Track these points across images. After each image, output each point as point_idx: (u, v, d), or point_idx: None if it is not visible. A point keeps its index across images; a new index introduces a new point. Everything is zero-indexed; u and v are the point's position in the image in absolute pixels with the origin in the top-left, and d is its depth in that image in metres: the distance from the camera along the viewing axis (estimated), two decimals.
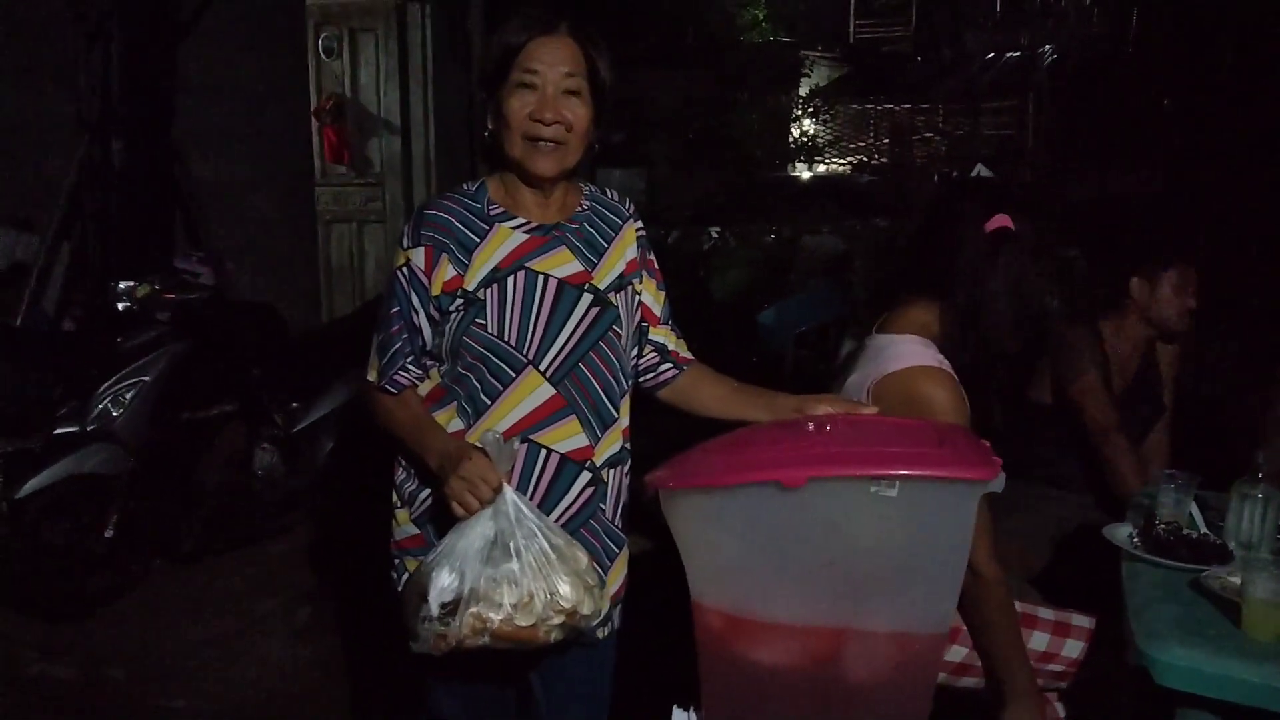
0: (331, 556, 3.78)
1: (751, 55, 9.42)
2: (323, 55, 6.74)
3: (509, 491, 1.46)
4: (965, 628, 1.81)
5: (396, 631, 1.52)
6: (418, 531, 1.68)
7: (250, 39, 5.08)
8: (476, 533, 1.44)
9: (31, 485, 3.08)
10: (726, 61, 8.73)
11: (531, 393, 1.61)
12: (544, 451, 1.61)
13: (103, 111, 3.99)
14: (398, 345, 1.63)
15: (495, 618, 1.39)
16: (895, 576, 1.37)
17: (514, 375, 1.60)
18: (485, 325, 1.59)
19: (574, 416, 1.62)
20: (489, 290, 1.60)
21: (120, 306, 3.44)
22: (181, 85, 4.52)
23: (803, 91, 11.73)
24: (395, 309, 1.64)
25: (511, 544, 1.42)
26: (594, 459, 1.65)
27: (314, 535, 3.91)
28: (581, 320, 1.63)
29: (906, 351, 1.86)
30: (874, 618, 1.37)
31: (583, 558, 1.49)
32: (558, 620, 1.43)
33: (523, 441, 1.59)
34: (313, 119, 6.15)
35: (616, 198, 1.79)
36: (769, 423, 1.62)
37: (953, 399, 1.79)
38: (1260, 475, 1.91)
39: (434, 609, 1.41)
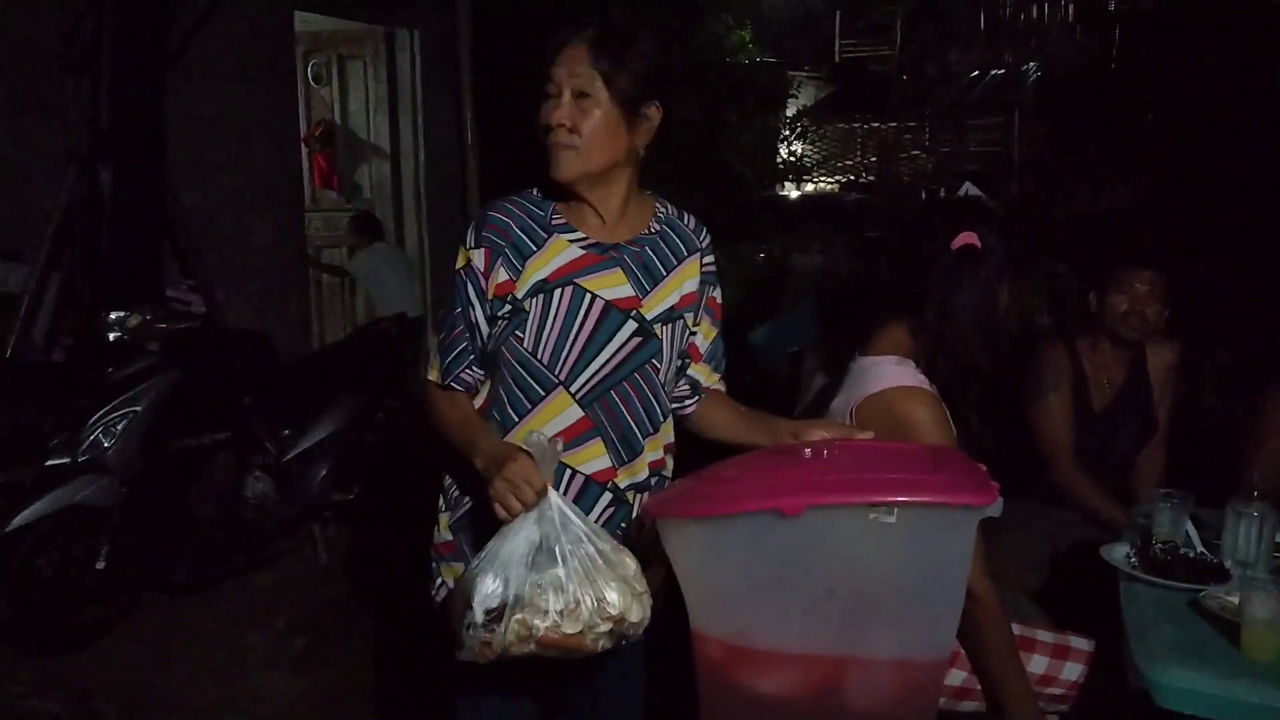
0: (326, 585, 3.76)
1: (739, 76, 9.47)
2: (312, 82, 6.79)
3: (554, 495, 1.43)
4: (962, 651, 1.81)
5: (407, 650, 1.50)
6: (452, 538, 1.70)
7: (239, 67, 5.08)
8: (521, 537, 1.41)
9: (22, 518, 3.05)
10: (715, 83, 8.77)
11: (560, 413, 1.62)
12: (568, 471, 1.62)
13: (91, 142, 3.98)
14: (463, 345, 1.65)
15: (541, 625, 1.36)
16: (896, 603, 1.36)
17: (543, 395, 1.62)
18: (522, 340, 1.61)
19: (599, 439, 1.63)
20: (534, 301, 1.61)
21: (111, 337, 3.42)
22: (171, 114, 4.51)
23: (790, 112, 11.79)
24: (458, 309, 1.66)
25: (557, 549, 1.39)
26: (616, 480, 1.65)
27: (308, 564, 3.89)
28: (621, 348, 1.63)
29: (886, 373, 1.86)
30: (875, 645, 1.36)
31: (630, 564, 1.45)
32: (605, 628, 1.40)
33: None
34: (303, 145, 6.15)
35: (693, 225, 1.75)
36: (765, 449, 1.62)
37: (935, 417, 1.79)
38: (1256, 493, 1.92)
39: (479, 615, 1.37)
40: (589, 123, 1.58)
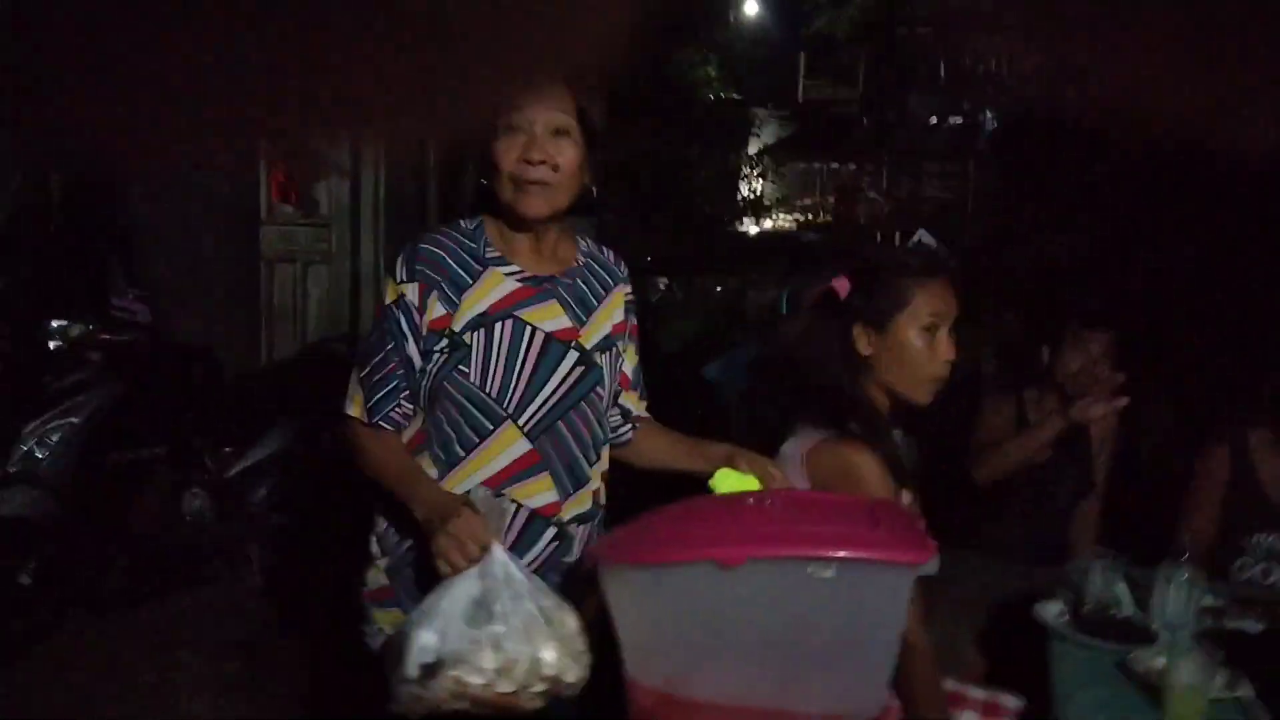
0: (263, 607, 3.69)
1: (704, 112, 9.57)
2: None
3: (498, 550, 1.42)
4: (897, 704, 1.82)
5: (339, 680, 1.48)
6: (388, 583, 1.67)
7: None
8: (461, 592, 1.39)
9: None
10: (679, 117, 8.86)
11: (508, 447, 1.61)
12: (514, 506, 1.61)
13: (39, 147, 3.91)
14: (394, 383, 1.60)
15: (476, 682, 1.35)
16: (830, 658, 1.37)
17: (492, 428, 1.60)
18: (468, 374, 1.59)
19: (547, 473, 1.63)
20: (475, 334, 1.59)
21: (51, 345, 3.35)
22: None
23: (752, 149, 11.93)
24: (390, 344, 1.60)
25: (497, 605, 1.38)
26: (561, 515, 1.65)
27: (244, 584, 3.82)
28: (566, 378, 1.64)
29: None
30: (808, 699, 1.36)
31: (571, 623, 1.44)
32: (540, 688, 1.39)
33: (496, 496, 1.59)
34: (261, 158, 6.08)
35: (613, 258, 1.80)
36: (708, 497, 1.63)
37: (878, 469, 1.81)
38: (1185, 556, 1.96)
39: (412, 670, 1.36)
40: (567, 160, 1.61)
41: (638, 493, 1.63)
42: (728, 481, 1.66)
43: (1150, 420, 4.10)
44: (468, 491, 1.54)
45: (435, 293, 1.59)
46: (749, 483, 1.66)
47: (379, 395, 1.60)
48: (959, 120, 14.80)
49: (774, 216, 13.40)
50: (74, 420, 3.28)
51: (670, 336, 7.57)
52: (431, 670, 1.35)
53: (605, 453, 1.75)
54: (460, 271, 1.61)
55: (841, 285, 1.86)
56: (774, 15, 15.75)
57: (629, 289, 1.80)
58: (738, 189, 10.97)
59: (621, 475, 1.85)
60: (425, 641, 1.36)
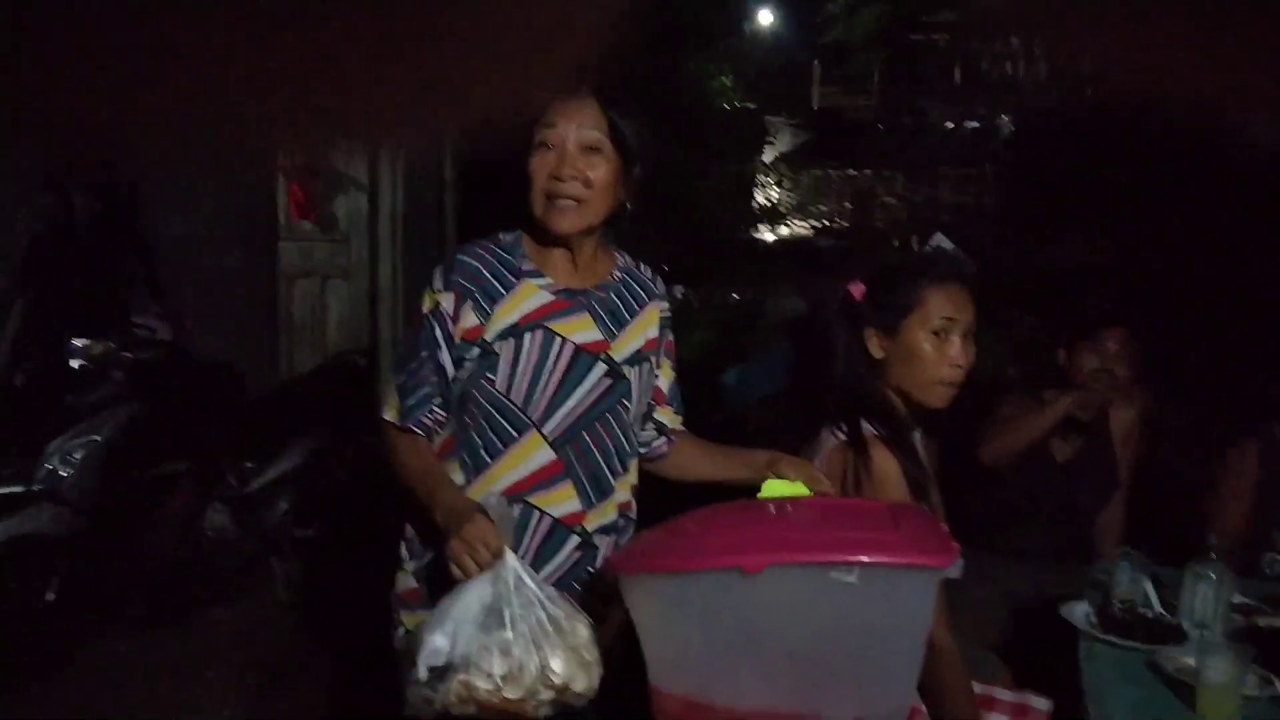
0: (286, 621, 3.70)
1: (719, 120, 9.56)
2: None
3: (511, 557, 1.43)
4: (923, 708, 1.80)
5: (364, 694, 1.49)
6: (417, 585, 1.70)
7: None
8: (474, 597, 1.41)
9: None
10: (695, 126, 8.85)
11: (531, 454, 1.63)
12: (536, 513, 1.64)
13: (63, 163, 3.95)
14: (426, 389, 1.65)
15: (483, 687, 1.36)
16: (853, 663, 1.35)
17: (516, 436, 1.63)
18: (494, 381, 1.62)
19: (570, 482, 1.65)
20: (504, 344, 1.62)
21: (74, 363, 3.38)
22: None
23: (768, 157, 11.92)
24: (424, 351, 1.65)
25: (507, 612, 1.39)
26: (585, 524, 1.67)
27: (267, 599, 3.82)
28: (593, 389, 1.66)
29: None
30: (833, 705, 1.35)
31: (583, 632, 1.45)
32: (547, 695, 1.39)
33: (516, 502, 1.61)
34: (280, 174, 6.14)
35: (650, 274, 1.81)
36: (730, 504, 1.62)
37: (896, 470, 1.82)
38: (1213, 554, 1.94)
39: (422, 672, 1.38)
40: (599, 176, 1.62)
41: (671, 505, 1.62)
42: (776, 491, 1.65)
43: (1174, 418, 4.07)
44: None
45: (469, 302, 1.63)
46: (797, 489, 1.65)
47: (411, 400, 1.65)
48: (975, 125, 14.75)
49: (790, 224, 13.39)
50: (96, 438, 3.29)
51: (687, 344, 7.54)
52: (440, 673, 1.36)
53: (634, 466, 1.76)
54: (495, 282, 1.65)
55: (857, 289, 1.89)
56: (788, 24, 15.78)
57: (665, 305, 1.81)
58: (754, 197, 10.96)
59: (653, 487, 1.85)
60: (435, 645, 1.38)
